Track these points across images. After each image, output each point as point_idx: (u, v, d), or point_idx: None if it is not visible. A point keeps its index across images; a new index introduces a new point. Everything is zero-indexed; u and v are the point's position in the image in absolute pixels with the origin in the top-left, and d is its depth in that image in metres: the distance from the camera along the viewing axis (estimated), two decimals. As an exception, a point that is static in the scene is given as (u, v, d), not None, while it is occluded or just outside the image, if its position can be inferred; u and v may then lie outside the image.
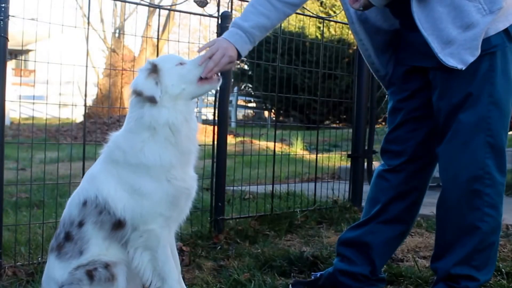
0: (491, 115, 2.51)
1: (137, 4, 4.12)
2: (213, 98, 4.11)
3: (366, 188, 4.70)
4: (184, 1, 4.05)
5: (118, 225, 2.38)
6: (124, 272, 2.39)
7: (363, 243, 2.88)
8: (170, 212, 2.43)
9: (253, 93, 16.97)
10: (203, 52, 2.59)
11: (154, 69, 2.41)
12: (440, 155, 2.64)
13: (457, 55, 2.43)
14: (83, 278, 2.32)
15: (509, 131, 2.67)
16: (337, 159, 6.88)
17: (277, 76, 4.67)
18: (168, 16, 18.91)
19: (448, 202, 2.64)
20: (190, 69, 2.47)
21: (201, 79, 2.48)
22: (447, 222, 2.65)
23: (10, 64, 19.62)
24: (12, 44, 3.15)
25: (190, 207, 2.58)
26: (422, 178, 2.86)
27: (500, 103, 2.52)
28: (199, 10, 3.99)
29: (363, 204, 4.91)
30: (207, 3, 3.91)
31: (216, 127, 4.02)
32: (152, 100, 2.36)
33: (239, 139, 9.45)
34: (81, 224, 2.38)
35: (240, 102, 18.35)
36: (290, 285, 3.01)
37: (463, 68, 2.44)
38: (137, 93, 2.39)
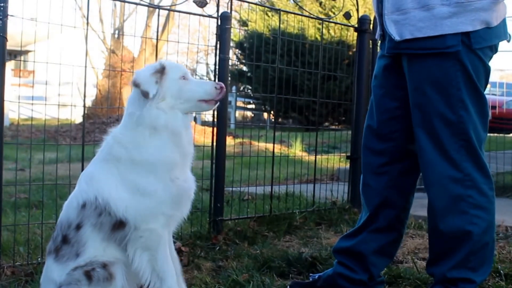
0: (462, 120, 2.51)
1: (136, 4, 4.12)
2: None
3: (365, 189, 4.72)
4: (184, 1, 4.05)
5: (119, 225, 2.37)
6: (122, 270, 2.39)
7: (358, 253, 2.87)
8: (172, 212, 2.43)
9: (252, 95, 16.98)
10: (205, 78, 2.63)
11: (161, 70, 2.42)
12: (419, 162, 2.65)
13: (399, 26, 2.51)
14: (81, 278, 2.33)
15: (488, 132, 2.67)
16: (336, 161, 6.89)
17: (276, 78, 4.66)
18: (167, 17, 18.92)
19: (436, 209, 2.63)
20: (192, 89, 2.47)
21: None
22: (438, 229, 2.63)
23: (9, 65, 19.63)
24: (11, 45, 3.15)
25: (190, 208, 2.58)
26: (407, 182, 2.83)
27: (469, 106, 2.51)
28: (198, 10, 4.00)
29: (362, 205, 4.95)
30: (206, 3, 3.91)
31: (215, 128, 4.02)
32: (145, 95, 2.38)
33: (238, 140, 9.46)
34: (79, 227, 2.38)
35: (239, 104, 18.37)
36: (288, 287, 3.01)
37: (398, 40, 2.50)
38: (135, 84, 2.41)
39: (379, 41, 2.83)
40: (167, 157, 2.39)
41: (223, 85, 2.53)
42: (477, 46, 2.48)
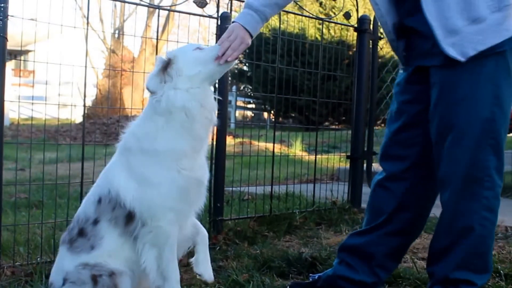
0: (494, 118, 2.48)
1: (136, 4, 4.12)
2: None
3: (365, 190, 4.72)
4: (184, 2, 4.05)
5: (130, 218, 2.37)
6: (128, 282, 2.38)
7: (367, 253, 2.84)
8: (180, 205, 2.41)
9: (252, 94, 16.96)
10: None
11: (165, 66, 2.44)
12: (441, 157, 2.59)
13: (459, 47, 2.42)
14: (87, 281, 2.33)
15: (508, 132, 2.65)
16: (336, 161, 6.88)
17: (277, 77, 4.66)
18: (167, 17, 18.92)
19: (448, 204, 2.61)
20: (207, 51, 2.51)
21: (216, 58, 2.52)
22: (445, 224, 2.62)
23: (10, 65, 19.62)
24: (11, 45, 3.15)
25: (206, 195, 2.56)
26: (427, 188, 2.78)
27: (503, 105, 2.49)
28: (198, 10, 4.00)
29: (362, 205, 4.95)
30: (206, 3, 3.92)
31: (215, 128, 4.01)
32: (153, 93, 2.43)
33: (238, 140, 9.45)
34: (96, 222, 2.40)
35: (240, 103, 18.35)
36: (288, 287, 3.01)
37: (463, 60, 2.42)
38: (148, 90, 2.47)
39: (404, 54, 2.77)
40: (176, 146, 2.38)
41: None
42: None
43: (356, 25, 5.05)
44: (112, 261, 2.37)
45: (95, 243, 2.37)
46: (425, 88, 2.64)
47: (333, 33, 13.76)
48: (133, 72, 4.49)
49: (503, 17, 2.42)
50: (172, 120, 2.39)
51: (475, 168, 2.51)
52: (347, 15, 4.95)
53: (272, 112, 15.56)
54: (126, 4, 6.32)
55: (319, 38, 10.90)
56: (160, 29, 15.81)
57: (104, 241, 2.38)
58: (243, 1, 4.63)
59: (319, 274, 3.04)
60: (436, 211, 2.78)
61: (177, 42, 4.17)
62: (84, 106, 3.80)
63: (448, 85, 2.52)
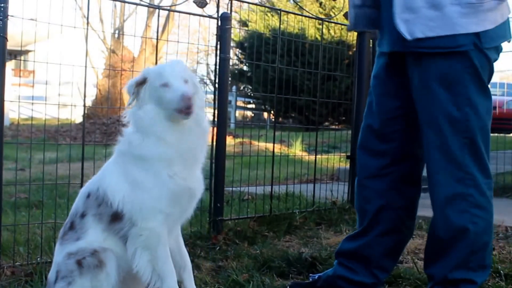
0: (467, 118, 2.50)
1: (136, 4, 4.12)
2: (212, 97, 4.10)
3: (365, 190, 4.70)
4: (184, 2, 4.06)
5: (116, 217, 2.41)
6: (113, 258, 2.40)
7: (364, 256, 2.84)
8: (170, 209, 2.43)
9: (252, 94, 16.96)
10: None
11: (142, 82, 2.48)
12: (428, 156, 2.62)
13: (410, 25, 2.46)
14: (73, 268, 2.36)
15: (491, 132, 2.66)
16: (336, 161, 6.88)
17: (277, 77, 4.66)
18: (167, 17, 18.92)
19: (437, 206, 2.61)
20: (171, 99, 2.37)
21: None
22: (438, 225, 2.62)
23: (10, 65, 19.62)
24: (11, 45, 3.15)
25: (195, 207, 2.59)
26: (409, 184, 2.80)
27: (476, 105, 2.51)
28: (198, 10, 4.00)
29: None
30: (206, 3, 3.92)
31: (215, 128, 4.02)
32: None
33: (238, 140, 9.45)
34: (83, 215, 2.46)
35: (240, 103, 18.36)
36: (288, 287, 3.01)
37: (409, 39, 2.45)
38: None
39: (377, 39, 2.82)
40: (161, 154, 2.41)
41: (189, 96, 2.35)
42: (486, 46, 2.48)
43: (356, 25, 5.04)
44: (96, 244, 2.40)
45: (81, 235, 2.43)
46: (402, 82, 2.67)
47: (333, 33, 13.78)
48: (133, 72, 4.49)
49: (461, 13, 2.43)
50: (148, 133, 2.43)
51: (453, 168, 2.53)
52: (347, 15, 4.95)
53: (272, 112, 15.57)
54: (126, 4, 6.32)
55: (319, 38, 10.90)
56: (160, 29, 15.84)
57: (88, 233, 2.43)
58: (243, 1, 4.65)
59: (319, 274, 3.04)
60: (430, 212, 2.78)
61: (177, 42, 4.18)
62: (84, 106, 3.80)
63: (421, 86, 2.56)
